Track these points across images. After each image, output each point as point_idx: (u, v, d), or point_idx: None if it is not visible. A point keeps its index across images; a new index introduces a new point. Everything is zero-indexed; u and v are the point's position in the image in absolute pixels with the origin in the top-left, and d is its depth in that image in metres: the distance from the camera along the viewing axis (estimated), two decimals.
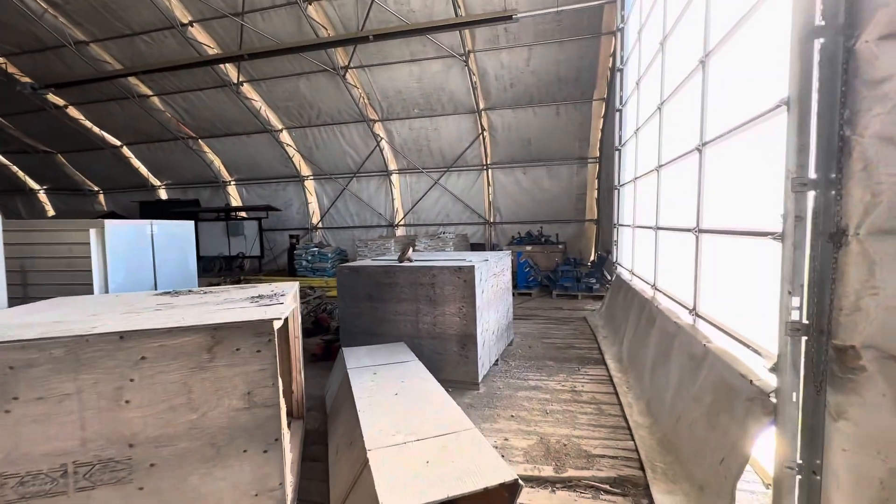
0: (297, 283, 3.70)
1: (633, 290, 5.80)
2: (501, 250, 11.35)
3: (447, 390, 4.62)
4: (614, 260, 7.91)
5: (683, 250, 4.10)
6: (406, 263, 4.94)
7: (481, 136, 12.30)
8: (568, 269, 9.27)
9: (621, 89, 7.64)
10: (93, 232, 3.61)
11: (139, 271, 4.03)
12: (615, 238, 7.92)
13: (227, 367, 1.95)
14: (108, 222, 3.64)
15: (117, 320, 2.11)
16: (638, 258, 6.15)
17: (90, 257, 3.57)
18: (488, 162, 12.82)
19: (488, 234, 13.39)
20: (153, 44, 10.80)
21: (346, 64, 10.89)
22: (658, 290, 4.75)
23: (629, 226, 6.77)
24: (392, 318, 4.81)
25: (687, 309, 3.65)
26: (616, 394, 4.24)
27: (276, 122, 13.28)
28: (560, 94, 11.03)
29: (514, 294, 8.31)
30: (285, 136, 13.74)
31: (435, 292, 4.58)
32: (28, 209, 18.31)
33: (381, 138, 13.08)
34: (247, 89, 12.22)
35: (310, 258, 12.57)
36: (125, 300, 2.89)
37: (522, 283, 9.45)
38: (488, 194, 13.18)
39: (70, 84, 10.99)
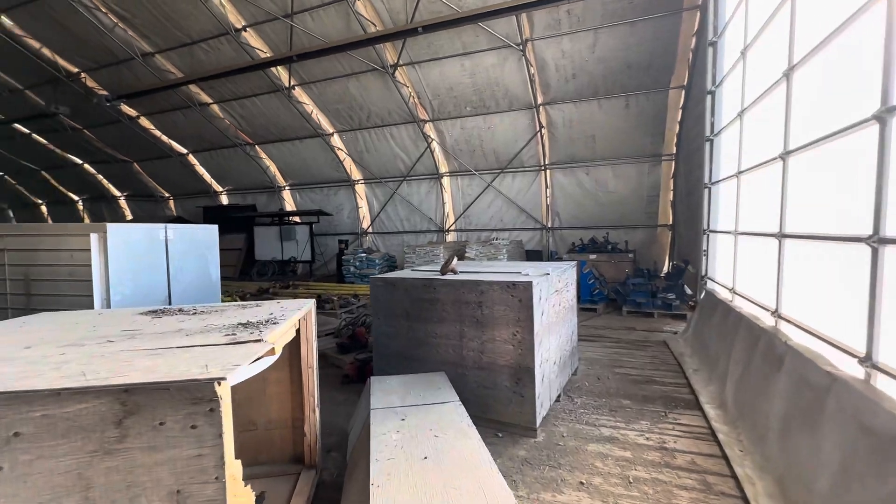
0: (313, 301, 3.03)
1: (735, 313, 4.59)
2: (560, 259, 10.26)
3: (497, 434, 3.80)
4: (703, 273, 6.59)
5: (830, 266, 2.95)
6: (449, 276, 4.16)
7: (539, 134, 11.29)
8: (640, 283, 8.01)
9: (714, 67, 6.36)
10: (94, 237, 3.19)
11: (150, 281, 3.60)
12: (704, 247, 6.61)
13: (146, 450, 1.26)
14: (111, 226, 3.21)
15: (20, 366, 1.49)
16: (742, 273, 4.90)
17: (90, 266, 3.17)
18: (546, 162, 11.76)
19: (545, 241, 12.30)
20: (210, 51, 10.98)
21: (395, 61, 10.39)
22: (783, 318, 3.57)
23: (727, 232, 5.51)
24: (432, 342, 4.03)
25: (849, 353, 2.52)
26: (725, 458, 3.15)
27: (327, 125, 13.14)
28: (630, 84, 9.77)
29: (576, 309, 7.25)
30: (336, 140, 13.57)
31: (483, 313, 3.75)
32: (111, 214, 19.83)
33: (432, 139, 12.48)
34: (298, 93, 12.15)
35: (357, 264, 12.20)
36: (96, 321, 2.34)
37: (586, 296, 8.32)
38: (546, 197, 12.10)
39: (138, 94, 11.48)
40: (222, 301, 8.36)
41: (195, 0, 9.54)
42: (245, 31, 10.33)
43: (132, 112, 14.06)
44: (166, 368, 1.37)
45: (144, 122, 14.45)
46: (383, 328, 4.32)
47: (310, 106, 12.46)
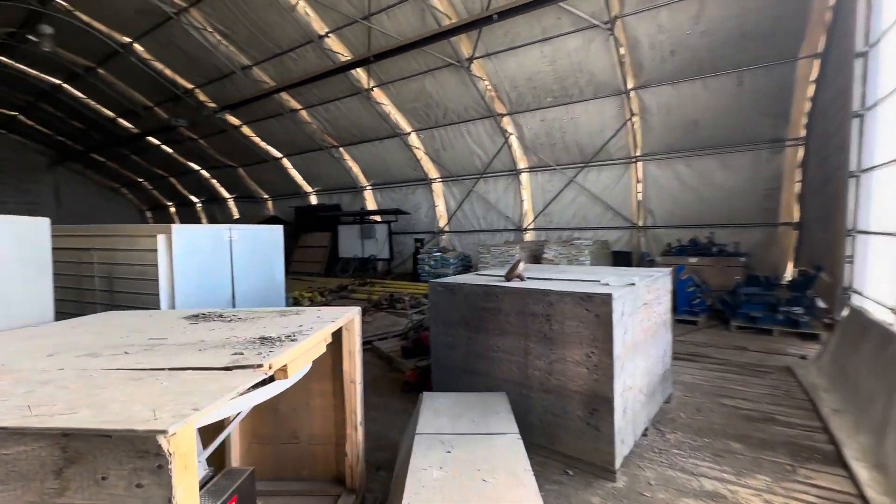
0: (357, 309, 2.78)
1: None
2: (653, 262, 9.08)
3: (566, 472, 3.21)
4: (845, 285, 5.26)
5: None
6: (514, 283, 3.68)
7: (629, 123, 10.15)
8: (755, 292, 6.70)
9: (867, 22, 5.00)
10: (161, 238, 3.30)
11: (214, 282, 3.66)
12: (847, 251, 5.27)
13: None
14: (176, 227, 3.30)
15: (16, 384, 1.37)
16: None
17: (157, 266, 3.27)
18: (638, 153, 10.55)
19: (636, 241, 11.07)
20: (298, 59, 11.60)
21: (471, 54, 10.03)
22: None
23: (888, 234, 4.26)
24: (493, 356, 3.59)
25: None
26: None
27: (404, 125, 13.23)
28: (744, 57, 8.29)
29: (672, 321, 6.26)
30: (413, 139, 13.61)
31: (552, 327, 3.22)
32: (221, 215, 22.27)
33: (510, 134, 11.91)
34: (377, 94, 12.36)
35: (432, 263, 12.10)
36: (139, 324, 2.30)
37: (683, 306, 7.21)
38: (637, 192, 10.87)
39: (238, 104, 12.55)
40: (292, 300, 8.72)
41: (283, 11, 10.09)
42: (327, 36, 10.71)
43: (235, 121, 15.51)
44: (118, 407, 1.14)
45: (246, 130, 15.86)
46: (442, 337, 3.98)
47: (388, 106, 12.62)
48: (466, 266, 12.46)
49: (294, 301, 9.20)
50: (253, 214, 20.36)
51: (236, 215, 21.62)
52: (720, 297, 7.41)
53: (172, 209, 25.00)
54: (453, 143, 13.03)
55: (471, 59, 10.16)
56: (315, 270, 16.45)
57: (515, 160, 12.42)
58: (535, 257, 10.62)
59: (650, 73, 9.23)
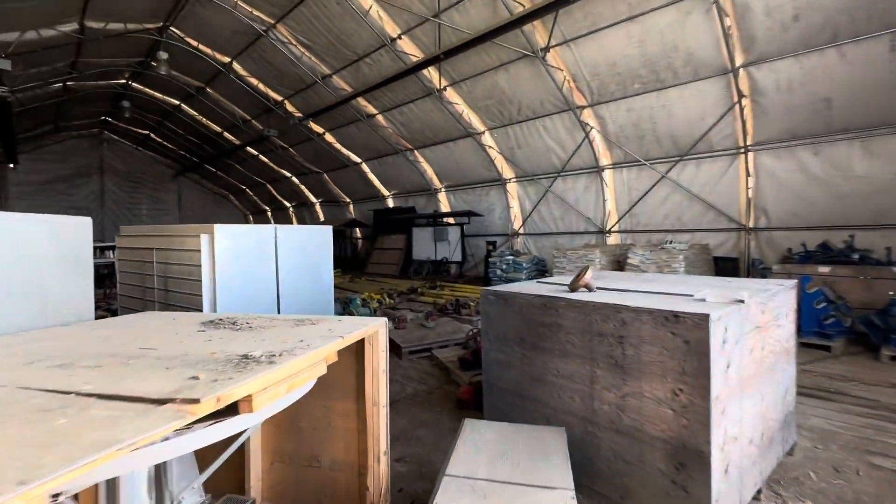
0: (383, 321, 2.39)
1: None
2: (767, 271, 7.59)
3: None
4: None
5: None
6: (581, 293, 3.05)
7: (737, 107, 8.66)
8: None
9: None
10: (204, 238, 3.25)
11: (259, 285, 3.55)
12: None
13: None
14: (219, 227, 3.23)
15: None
16: None
17: (200, 266, 3.23)
18: (749, 142, 8.97)
19: (743, 246, 9.43)
20: (373, 64, 11.80)
21: (546, 43, 9.31)
22: None
23: None
24: (552, 381, 3.01)
25: None
26: None
27: (477, 124, 12.83)
28: None
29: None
30: (487, 139, 13.15)
31: (624, 352, 2.56)
32: (310, 218, 23.82)
33: (591, 128, 10.91)
34: (449, 94, 12.13)
35: (504, 267, 11.52)
36: (152, 330, 2.15)
37: (811, 326, 5.81)
38: (746, 188, 9.26)
39: (319, 112, 13.16)
40: (360, 301, 8.67)
41: (358, 17, 10.28)
42: (399, 38, 10.72)
43: (319, 129, 16.37)
44: None
45: (328, 137, 16.68)
46: (494, 354, 3.47)
47: (460, 105, 12.32)
48: (541, 271, 11.67)
49: (362, 302, 9.24)
50: (337, 217, 21.43)
51: (322, 218, 22.96)
52: (865, 316, 5.85)
53: (269, 213, 27.39)
54: (529, 141, 12.34)
55: (546, 49, 9.44)
56: (390, 272, 16.74)
57: (597, 156, 11.36)
58: (618, 263, 9.54)
59: (765, 46, 7.75)
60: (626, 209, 11.31)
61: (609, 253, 9.71)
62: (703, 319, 2.21)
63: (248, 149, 20.25)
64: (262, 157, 20.93)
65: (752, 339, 2.64)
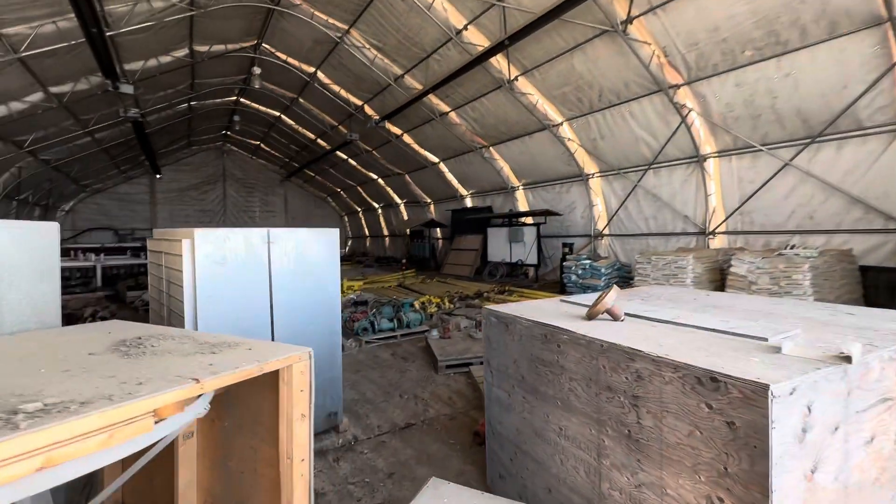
0: (307, 352, 1.89)
1: None
2: None
3: None
4: None
5: None
6: (599, 321, 2.23)
7: None
8: None
9: None
10: (185, 244, 3.06)
11: (247, 297, 3.26)
12: None
13: None
14: (200, 231, 3.02)
15: None
16: None
17: (182, 273, 3.06)
18: None
19: None
20: (441, 60, 11.43)
21: (627, 14, 8.00)
22: None
23: None
24: (553, 440, 2.24)
25: None
26: None
27: (554, 114, 11.74)
28: None
29: None
30: (565, 130, 11.98)
31: (640, 421, 1.73)
32: (396, 218, 24.49)
33: (689, 110, 9.22)
34: (522, 84, 11.24)
35: (580, 272, 10.32)
36: (64, 346, 1.93)
37: None
38: None
39: (393, 113, 13.22)
40: (420, 305, 8.23)
41: (422, 11, 9.98)
42: (465, 29, 10.18)
43: (397, 130, 16.57)
44: None
45: (406, 138, 16.81)
46: (495, 390, 2.77)
47: (534, 96, 11.36)
48: (624, 277, 10.22)
49: (421, 305, 8.92)
50: (420, 218, 21.67)
51: (406, 218, 23.44)
52: None
53: (360, 214, 28.86)
54: (613, 130, 10.92)
55: (628, 20, 8.12)
56: (465, 274, 16.31)
57: (697, 143, 9.58)
58: (720, 273, 7.86)
59: None
60: (736, 206, 9.35)
61: (706, 259, 8.05)
62: (759, 391, 1.31)
63: (339, 153, 21.47)
64: (350, 160, 22.00)
65: (874, 422, 1.59)
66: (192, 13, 9.96)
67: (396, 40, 11.43)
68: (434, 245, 20.42)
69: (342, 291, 10.48)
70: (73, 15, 7.83)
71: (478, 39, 10.27)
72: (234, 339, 2.08)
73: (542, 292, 11.14)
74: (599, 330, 2.07)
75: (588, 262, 10.19)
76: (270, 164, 28.32)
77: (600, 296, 2.36)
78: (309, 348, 1.93)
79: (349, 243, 31.79)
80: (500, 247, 15.09)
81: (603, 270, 9.77)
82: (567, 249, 11.87)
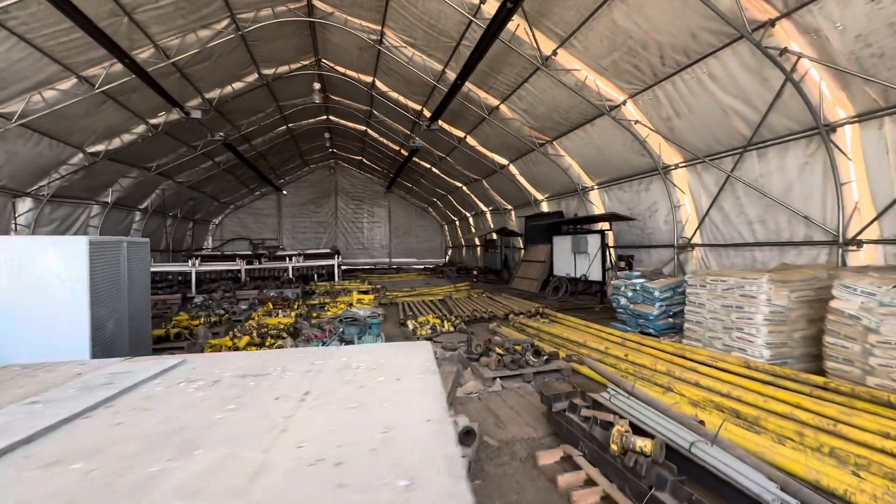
0: None
1: None
2: None
3: None
4: None
5: None
6: None
7: None
8: None
9: None
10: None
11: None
12: None
13: None
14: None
15: None
16: None
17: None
18: None
19: None
20: (471, 45, 10.01)
21: None
22: None
23: None
24: None
25: None
26: None
27: (611, 91, 9.27)
28: None
29: None
30: (629, 110, 9.37)
31: None
32: (483, 227, 23.27)
33: (798, 55, 6.11)
34: (563, 59, 9.13)
35: (630, 294, 7.72)
36: None
37: None
38: None
39: (439, 111, 12.21)
40: (367, 332, 6.87)
41: None
42: (483, 3, 8.66)
43: (459, 133, 15.49)
44: None
45: (470, 140, 15.60)
46: None
47: (580, 71, 9.12)
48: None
49: (413, 329, 7.69)
50: (501, 226, 20.10)
51: (492, 226, 22.06)
52: None
53: (456, 223, 28.40)
54: (690, 103, 8.06)
55: None
56: (531, 289, 14.26)
57: (816, 107, 6.31)
58: (824, 308, 4.81)
59: None
60: (890, 202, 5.82)
61: (799, 284, 5.00)
62: None
63: (421, 162, 21.33)
64: (433, 169, 21.66)
65: None
66: (233, 35, 10.59)
67: (423, 31, 10.46)
68: (507, 256, 18.60)
69: (336, 307, 9.82)
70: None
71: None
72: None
73: (595, 326, 8.76)
74: None
75: (640, 281, 7.52)
76: (375, 177, 29.93)
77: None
78: None
79: (449, 253, 31.63)
80: (564, 259, 12.72)
81: (657, 294, 7.05)
82: (623, 263, 9.15)
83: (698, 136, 8.42)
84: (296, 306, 10.33)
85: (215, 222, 28.12)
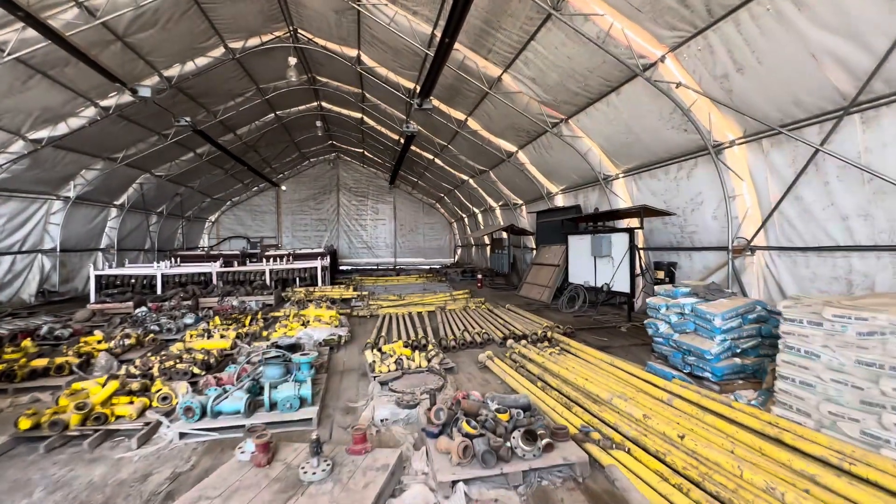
0: None
1: None
2: None
3: None
4: None
5: None
6: None
7: None
8: None
9: None
10: None
11: None
12: None
13: None
14: None
15: None
16: None
17: None
18: None
19: None
20: None
21: None
22: None
23: None
24: None
25: None
26: None
27: (644, 44, 7.00)
28: None
29: None
30: (668, 69, 7.08)
31: None
32: (493, 224, 21.09)
33: None
34: (581, 3, 6.90)
35: (674, 319, 5.47)
36: None
37: None
38: None
39: (429, 83, 10.09)
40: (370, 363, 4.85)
41: None
42: None
43: (459, 115, 13.36)
44: None
45: (472, 123, 13.46)
46: None
47: (605, 16, 6.87)
48: (767, 337, 4.97)
49: (370, 364, 5.68)
50: (511, 221, 17.89)
51: (502, 223, 19.85)
52: None
53: (465, 220, 26.26)
54: (760, 48, 5.75)
55: None
56: (541, 298, 12.04)
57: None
58: None
59: None
60: None
61: None
62: None
63: (422, 153, 19.29)
64: (437, 160, 19.57)
65: None
66: None
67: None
68: (517, 257, 16.38)
69: (287, 325, 7.81)
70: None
71: None
72: None
73: (594, 348, 6.56)
74: None
75: (689, 301, 5.25)
76: (378, 171, 28.02)
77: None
78: None
79: (458, 252, 29.51)
80: (582, 263, 10.46)
81: (719, 323, 4.79)
82: (662, 273, 6.87)
83: (771, 98, 6.10)
84: (247, 321, 8.41)
85: (211, 220, 26.69)
